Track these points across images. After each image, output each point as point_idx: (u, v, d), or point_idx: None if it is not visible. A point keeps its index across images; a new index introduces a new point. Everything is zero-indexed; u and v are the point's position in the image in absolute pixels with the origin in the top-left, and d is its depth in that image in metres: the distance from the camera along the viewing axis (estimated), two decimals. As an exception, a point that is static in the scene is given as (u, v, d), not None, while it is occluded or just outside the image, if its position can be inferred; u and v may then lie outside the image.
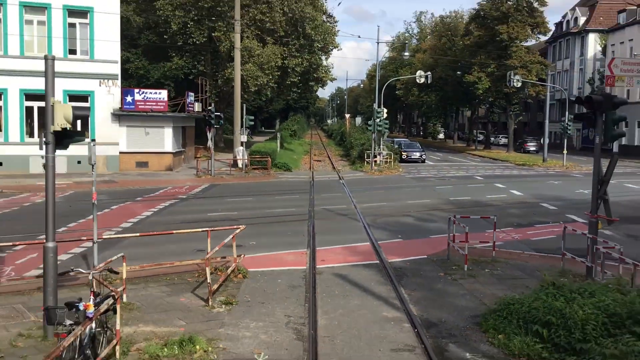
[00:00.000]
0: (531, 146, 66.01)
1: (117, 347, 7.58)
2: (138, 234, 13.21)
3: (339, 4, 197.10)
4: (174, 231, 13.50)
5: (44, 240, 8.48)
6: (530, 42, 66.96)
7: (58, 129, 7.96)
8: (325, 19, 52.62)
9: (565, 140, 48.19)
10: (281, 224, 18.41)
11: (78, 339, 6.57)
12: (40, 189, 25.45)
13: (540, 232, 17.63)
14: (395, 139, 60.18)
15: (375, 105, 41.41)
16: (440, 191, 27.65)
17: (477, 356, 8.28)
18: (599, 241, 11.71)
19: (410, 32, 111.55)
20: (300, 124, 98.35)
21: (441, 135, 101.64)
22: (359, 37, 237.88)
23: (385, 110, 41.66)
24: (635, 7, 63.21)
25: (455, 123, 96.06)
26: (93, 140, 11.08)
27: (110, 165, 31.68)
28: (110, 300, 7.46)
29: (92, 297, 7.32)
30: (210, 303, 10.05)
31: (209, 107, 32.85)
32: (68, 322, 6.75)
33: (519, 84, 50.49)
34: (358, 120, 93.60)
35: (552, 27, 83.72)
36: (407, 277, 12.37)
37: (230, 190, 27.00)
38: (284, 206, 22.13)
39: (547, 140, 51.52)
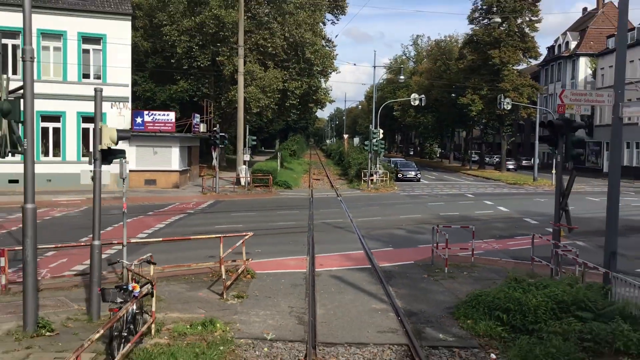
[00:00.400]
0: (510, 164, 68.36)
1: (153, 325, 9.29)
2: (161, 239, 14.99)
3: (336, 36, 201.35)
4: (191, 237, 15.25)
5: (89, 241, 10.21)
6: (523, 66, 69.39)
7: (105, 147, 9.75)
8: (324, 44, 54.82)
9: (554, 160, 49.93)
10: (283, 235, 20.14)
11: (125, 314, 8.29)
12: (57, 204, 27.20)
13: (518, 243, 19.36)
14: (392, 159, 62.15)
15: (371, 127, 43.32)
16: (431, 207, 29.40)
17: (449, 336, 9.99)
18: (572, 251, 13.36)
19: (408, 54, 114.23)
20: (300, 144, 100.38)
21: (438, 155, 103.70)
22: (354, 64, 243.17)
23: (381, 131, 43.57)
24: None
25: (451, 143, 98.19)
26: (124, 157, 12.87)
27: (120, 182, 33.41)
28: (148, 286, 9.19)
29: (134, 282, 9.06)
30: (224, 296, 11.78)
31: (214, 129, 34.74)
32: (119, 300, 8.48)
33: (509, 107, 52.59)
34: (356, 140, 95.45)
35: (545, 51, 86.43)
36: (394, 278, 14.09)
37: (234, 206, 28.73)
38: (285, 220, 23.88)
39: (537, 160, 53.34)
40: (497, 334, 9.82)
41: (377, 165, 42.95)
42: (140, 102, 48.22)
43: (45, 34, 31.84)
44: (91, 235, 10.29)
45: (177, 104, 50.61)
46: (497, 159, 72.37)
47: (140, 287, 8.97)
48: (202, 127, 39.06)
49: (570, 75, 76.78)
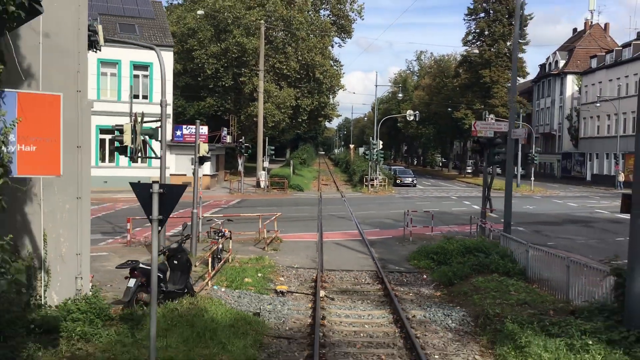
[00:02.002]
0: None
1: (230, 256, 16.21)
2: (222, 215, 21.89)
3: (343, 73, 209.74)
4: (241, 214, 22.18)
5: (177, 215, 17.11)
6: (520, 81, 76.30)
7: (201, 155, 16.69)
8: (332, 63, 61.92)
9: (533, 168, 56.75)
10: (299, 221, 27.02)
11: (218, 246, 15.19)
12: (118, 200, 34.19)
13: (473, 227, 26.12)
14: (392, 167, 69.04)
15: (371, 139, 50.30)
16: (418, 205, 36.17)
17: (401, 268, 16.87)
18: (488, 223, 20.02)
19: (412, 69, 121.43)
20: (309, 153, 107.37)
21: (440, 164, 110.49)
22: (354, 93, 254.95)
23: (380, 143, 50.54)
24: (604, 54, 72.35)
25: (450, 153, 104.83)
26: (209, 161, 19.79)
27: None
28: (228, 234, 16.12)
29: (220, 230, 16.01)
30: (265, 249, 18.68)
31: (240, 140, 41.76)
32: (215, 237, 15.38)
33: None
34: (361, 150, 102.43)
35: (537, 68, 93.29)
36: (375, 244, 20.97)
37: (258, 203, 35.64)
38: (300, 212, 30.77)
39: (520, 169, 59.85)
40: (429, 266, 16.69)
41: (377, 172, 49.81)
42: (173, 116, 55.39)
43: (104, 62, 39.02)
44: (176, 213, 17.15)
45: (204, 118, 57.75)
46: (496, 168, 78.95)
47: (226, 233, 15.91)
48: (229, 139, 46.08)
49: (559, 91, 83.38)
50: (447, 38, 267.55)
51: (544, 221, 29.43)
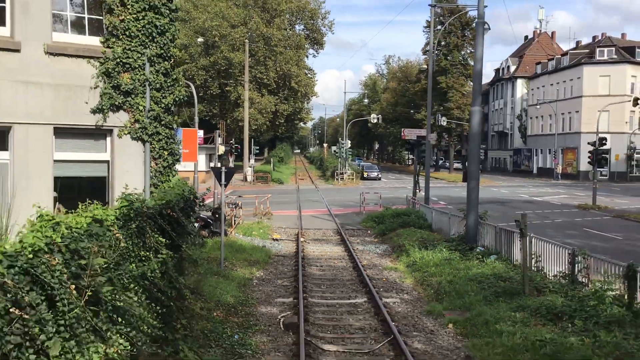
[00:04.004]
0: (459, 167, 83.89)
1: (241, 220, 24.40)
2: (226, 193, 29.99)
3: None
4: (242, 195, 30.28)
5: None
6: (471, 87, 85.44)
7: (220, 154, 24.78)
8: (306, 72, 70.13)
9: (489, 163, 65.67)
10: (283, 203, 35.23)
11: (234, 212, 23.36)
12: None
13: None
14: (362, 163, 77.58)
15: (340, 139, 58.74)
16: (378, 192, 44.66)
17: (354, 228, 25.27)
18: (417, 200, 28.45)
19: (381, 72, 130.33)
20: (286, 152, 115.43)
21: (408, 161, 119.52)
22: (324, 104, 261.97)
23: (349, 142, 59.01)
24: (547, 61, 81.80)
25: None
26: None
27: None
28: (240, 205, 24.29)
29: (235, 203, 24.19)
30: (262, 219, 26.90)
31: (231, 142, 49.78)
32: (232, 207, 23.49)
33: (445, 123, 68.22)
34: (334, 148, 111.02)
35: (493, 72, 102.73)
36: (338, 216, 29.33)
37: (247, 192, 43.62)
38: (283, 198, 38.98)
39: (470, 163, 68.72)
40: (372, 225, 25.14)
41: (346, 167, 58.25)
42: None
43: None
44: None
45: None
46: (456, 163, 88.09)
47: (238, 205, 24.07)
48: (220, 140, 53.92)
49: (510, 94, 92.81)
50: (418, 35, 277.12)
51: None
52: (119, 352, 6.28)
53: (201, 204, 12.31)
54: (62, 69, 11.70)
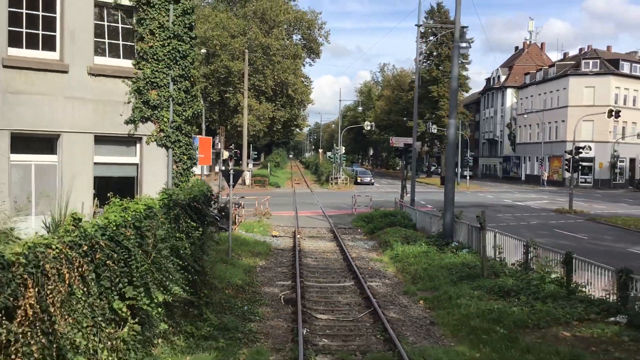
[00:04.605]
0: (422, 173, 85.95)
1: (243, 218, 26.80)
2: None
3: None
4: (244, 197, 32.69)
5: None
6: (466, 95, 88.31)
7: (224, 158, 27.19)
8: (303, 80, 72.66)
9: (468, 170, 68.40)
10: (280, 205, 37.62)
11: (236, 212, 25.75)
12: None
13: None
14: (355, 168, 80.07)
15: (335, 145, 61.24)
16: (369, 196, 47.13)
17: (346, 227, 27.72)
18: (404, 202, 30.91)
19: (376, 79, 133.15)
20: (282, 157, 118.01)
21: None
22: (319, 113, 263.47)
23: (343, 148, 61.50)
24: (535, 72, 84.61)
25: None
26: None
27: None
28: (242, 205, 26.68)
29: (238, 203, 26.59)
30: (262, 218, 29.30)
31: (231, 147, 52.10)
32: (235, 206, 25.88)
33: (435, 131, 70.83)
34: (329, 153, 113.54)
35: (484, 82, 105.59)
36: (332, 217, 31.77)
37: (247, 194, 46.06)
38: (280, 200, 41.39)
39: (459, 169, 71.27)
40: (362, 225, 27.59)
41: (340, 172, 60.73)
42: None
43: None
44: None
45: (196, 127, 68.04)
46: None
47: (240, 204, 26.46)
48: (219, 145, 56.36)
49: (500, 102, 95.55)
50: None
51: (457, 206, 40.51)
52: (169, 298, 8.76)
53: (215, 200, 14.70)
54: (101, 87, 14.17)
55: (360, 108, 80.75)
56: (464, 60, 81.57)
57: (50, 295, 5.90)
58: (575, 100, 70.82)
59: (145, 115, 14.61)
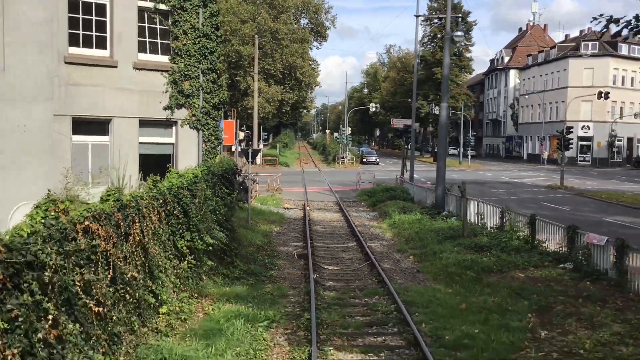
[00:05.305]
0: (455, 153, 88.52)
1: (258, 193, 29.73)
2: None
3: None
4: (258, 173, 35.63)
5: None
6: (469, 76, 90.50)
7: (240, 139, 30.03)
8: (310, 63, 75.10)
9: (470, 149, 71.00)
10: (291, 182, 40.48)
11: (252, 186, 28.67)
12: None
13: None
14: (361, 148, 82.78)
15: (341, 126, 63.93)
16: (372, 174, 49.97)
17: (350, 200, 30.60)
18: (404, 178, 33.68)
19: (382, 61, 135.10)
20: (290, 138, 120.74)
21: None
22: (327, 97, 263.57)
23: (349, 129, 64.19)
24: (537, 53, 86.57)
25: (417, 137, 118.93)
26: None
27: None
28: (257, 180, 29.57)
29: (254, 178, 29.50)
30: (274, 193, 32.21)
31: (242, 128, 54.97)
32: (252, 181, 28.80)
33: (438, 112, 73.30)
34: (336, 134, 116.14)
35: (488, 63, 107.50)
36: (338, 192, 34.65)
37: (258, 173, 49.06)
38: (290, 178, 44.29)
39: (461, 149, 73.86)
40: (365, 199, 30.45)
41: (347, 152, 63.46)
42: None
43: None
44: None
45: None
46: (452, 150, 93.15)
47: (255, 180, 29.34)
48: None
49: (504, 83, 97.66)
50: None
51: (455, 183, 43.37)
52: (215, 242, 11.68)
53: (239, 174, 17.54)
54: (144, 79, 16.97)
55: (366, 90, 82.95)
56: (467, 42, 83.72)
57: (146, 229, 8.78)
58: (575, 81, 72.97)
59: (180, 103, 17.41)
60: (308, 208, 27.28)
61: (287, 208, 27.46)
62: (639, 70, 75.23)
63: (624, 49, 74.31)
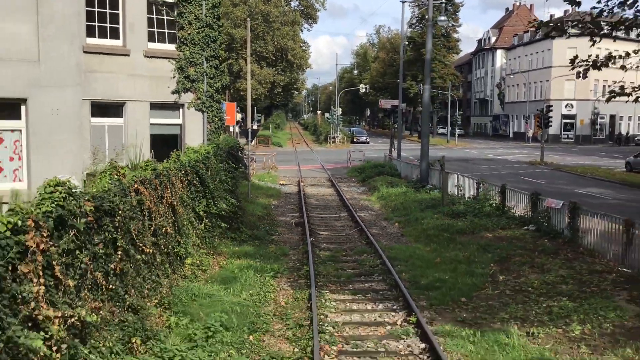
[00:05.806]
0: (443, 132, 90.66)
1: (255, 170, 31.69)
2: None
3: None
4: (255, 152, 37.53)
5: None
6: (457, 56, 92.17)
7: (238, 119, 31.88)
8: (301, 46, 76.58)
9: (457, 128, 73.07)
10: (285, 161, 42.45)
11: (250, 164, 30.59)
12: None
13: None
14: (352, 128, 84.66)
15: (332, 107, 65.72)
16: (362, 152, 51.96)
17: (342, 176, 32.62)
18: (393, 155, 35.68)
19: (372, 41, 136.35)
20: (282, 119, 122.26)
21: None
22: (318, 78, 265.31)
23: (340, 109, 65.98)
24: (523, 33, 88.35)
25: (406, 117, 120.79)
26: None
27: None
28: (254, 158, 31.52)
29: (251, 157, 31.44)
30: (270, 171, 34.15)
31: (237, 110, 56.55)
32: (252, 160, 30.68)
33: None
34: (327, 115, 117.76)
35: (476, 43, 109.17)
36: (331, 170, 36.63)
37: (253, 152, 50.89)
38: (284, 157, 46.22)
39: (449, 128, 75.95)
40: (356, 175, 32.47)
41: (338, 132, 65.34)
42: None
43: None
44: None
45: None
46: (441, 129, 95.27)
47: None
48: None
49: (490, 63, 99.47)
50: None
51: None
52: (227, 207, 13.64)
53: (241, 150, 19.50)
54: (154, 66, 18.77)
55: (356, 71, 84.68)
56: (454, 23, 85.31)
57: (174, 194, 10.74)
58: (559, 60, 74.80)
59: (186, 87, 19.23)
60: (302, 184, 29.25)
61: (283, 184, 29.42)
62: (622, 49, 77.12)
63: (606, 29, 76.07)
